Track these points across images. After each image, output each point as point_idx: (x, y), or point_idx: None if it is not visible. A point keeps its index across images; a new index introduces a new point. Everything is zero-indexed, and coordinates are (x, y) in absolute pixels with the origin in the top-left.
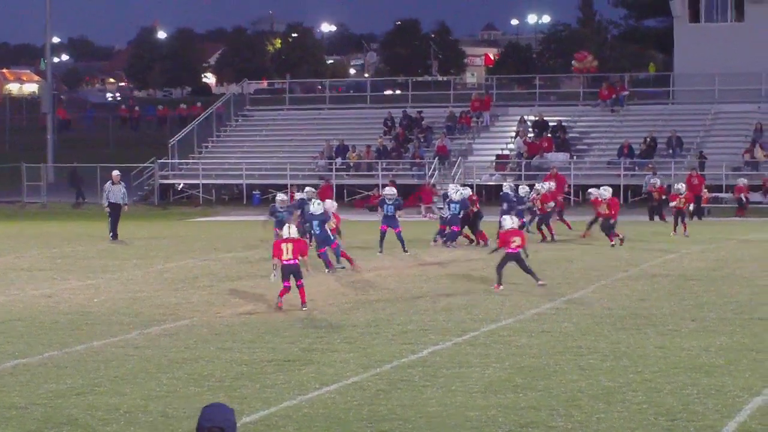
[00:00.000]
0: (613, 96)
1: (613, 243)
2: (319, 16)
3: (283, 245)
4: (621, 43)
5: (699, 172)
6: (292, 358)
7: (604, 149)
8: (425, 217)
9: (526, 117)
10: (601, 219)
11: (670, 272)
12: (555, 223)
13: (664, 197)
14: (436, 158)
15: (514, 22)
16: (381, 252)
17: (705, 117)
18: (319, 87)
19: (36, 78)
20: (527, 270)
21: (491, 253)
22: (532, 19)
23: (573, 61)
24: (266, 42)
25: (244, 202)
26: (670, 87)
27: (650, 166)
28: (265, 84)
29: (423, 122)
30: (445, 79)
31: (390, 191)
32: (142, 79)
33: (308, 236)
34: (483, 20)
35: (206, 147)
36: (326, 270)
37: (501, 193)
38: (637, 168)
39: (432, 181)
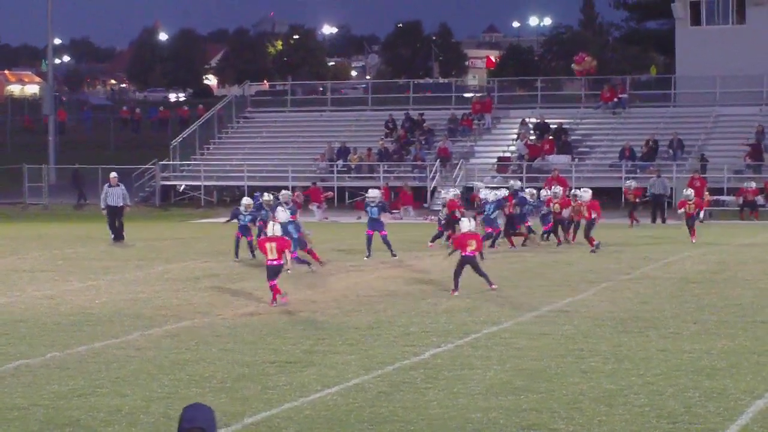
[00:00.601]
0: (615, 98)
1: (593, 249)
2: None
3: (268, 244)
4: (622, 46)
5: (701, 175)
6: (293, 360)
7: (606, 152)
8: (426, 219)
9: (527, 119)
10: (586, 222)
11: (672, 275)
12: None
13: (638, 200)
14: (438, 161)
15: (516, 24)
16: (369, 256)
17: (706, 119)
18: (320, 89)
19: (37, 79)
20: (481, 273)
21: (449, 256)
22: (533, 21)
23: (573, 65)
24: (268, 44)
25: None
26: (671, 89)
27: (652, 168)
28: (266, 86)
29: (424, 124)
30: (446, 81)
31: (373, 193)
32: (143, 80)
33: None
34: (485, 22)
35: (208, 149)
36: (310, 268)
37: (518, 197)
38: (638, 171)
39: (434, 183)
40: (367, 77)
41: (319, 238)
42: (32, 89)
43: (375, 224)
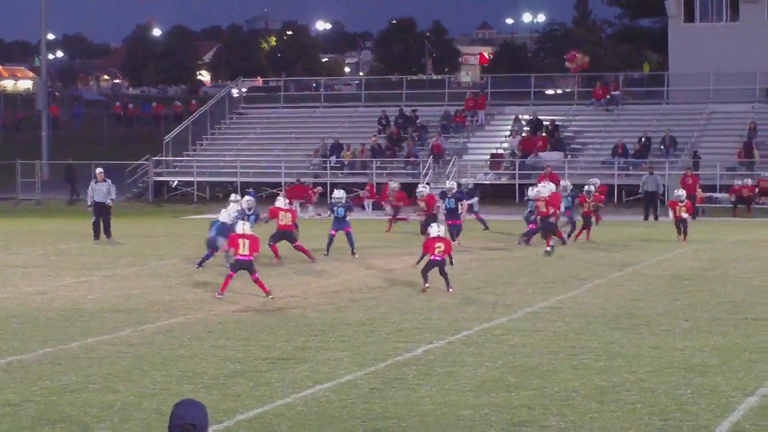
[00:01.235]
0: (608, 95)
1: (549, 248)
2: (314, 14)
3: (240, 240)
4: (615, 43)
5: (693, 172)
6: (286, 357)
7: (599, 148)
8: (417, 216)
9: (520, 116)
10: (540, 218)
11: (664, 272)
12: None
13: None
14: (431, 157)
15: (509, 21)
16: (326, 254)
17: (699, 117)
18: (314, 85)
19: (31, 75)
20: (444, 276)
21: (417, 263)
22: (527, 18)
23: (566, 63)
24: (261, 40)
25: None
26: (664, 86)
27: (645, 166)
28: (260, 82)
29: (417, 121)
30: (439, 77)
31: (338, 194)
32: (137, 76)
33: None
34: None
35: (201, 144)
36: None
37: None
38: (631, 168)
39: (426, 180)
40: (361, 74)
41: (308, 233)
42: (25, 84)
43: (339, 224)
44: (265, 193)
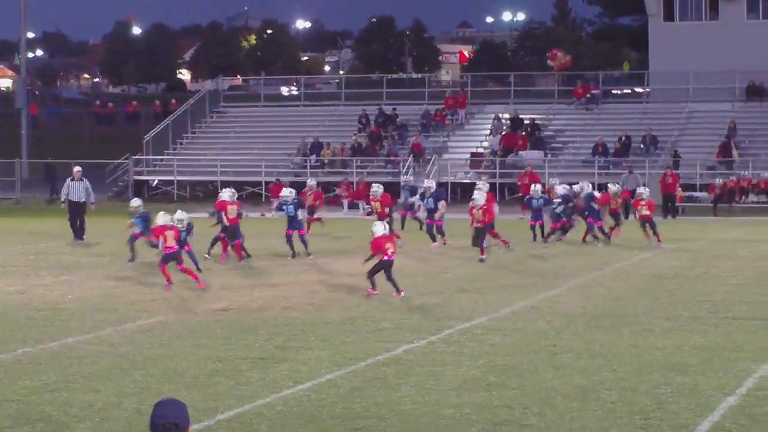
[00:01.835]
0: (588, 94)
1: (483, 257)
2: (294, 13)
3: (167, 232)
4: (595, 41)
5: (673, 171)
6: (266, 356)
7: (579, 147)
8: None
9: (501, 115)
10: (474, 227)
11: (645, 271)
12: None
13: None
14: (411, 156)
15: (489, 19)
16: (293, 257)
17: (680, 115)
18: (294, 83)
19: (10, 73)
20: (391, 279)
21: (366, 262)
22: (507, 16)
23: (548, 62)
24: (241, 38)
25: None
26: (644, 85)
27: (625, 164)
28: (239, 80)
29: (398, 120)
30: (419, 76)
31: (286, 192)
32: (117, 74)
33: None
34: (458, 18)
35: (181, 143)
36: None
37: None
38: (611, 166)
39: (407, 177)
40: (341, 72)
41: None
42: (5, 83)
43: (294, 223)
44: (245, 192)
